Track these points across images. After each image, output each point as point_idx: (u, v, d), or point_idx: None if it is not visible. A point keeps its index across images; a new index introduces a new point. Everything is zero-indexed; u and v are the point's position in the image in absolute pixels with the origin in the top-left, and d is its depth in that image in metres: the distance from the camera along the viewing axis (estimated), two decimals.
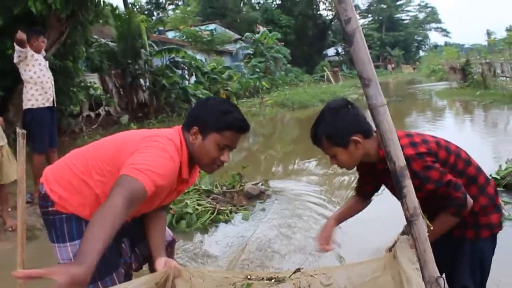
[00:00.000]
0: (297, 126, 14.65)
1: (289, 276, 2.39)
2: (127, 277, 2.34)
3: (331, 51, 52.11)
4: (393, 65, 49.80)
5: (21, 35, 5.15)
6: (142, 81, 17.87)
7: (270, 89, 26.57)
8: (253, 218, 4.69)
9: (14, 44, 5.26)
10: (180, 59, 19.31)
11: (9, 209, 4.85)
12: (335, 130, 2.00)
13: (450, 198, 1.93)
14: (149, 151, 1.90)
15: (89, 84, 14.18)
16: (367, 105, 1.14)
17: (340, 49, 52.16)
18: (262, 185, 5.48)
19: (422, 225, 1.14)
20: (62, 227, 2.10)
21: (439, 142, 2.08)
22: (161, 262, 2.18)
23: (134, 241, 2.41)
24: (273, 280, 2.41)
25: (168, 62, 18.63)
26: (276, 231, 4.19)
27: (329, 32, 50.30)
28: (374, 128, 2.00)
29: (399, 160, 1.10)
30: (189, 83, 19.88)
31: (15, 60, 5.32)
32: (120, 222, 1.60)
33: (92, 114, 15.00)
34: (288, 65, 36.67)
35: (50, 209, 2.11)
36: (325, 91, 21.01)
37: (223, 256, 3.61)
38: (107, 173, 2.02)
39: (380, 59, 54.87)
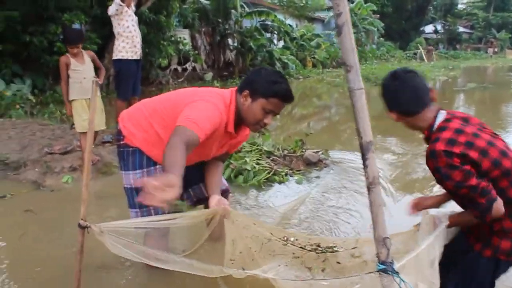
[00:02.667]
0: (379, 101, 14.44)
1: (320, 249, 2.63)
2: (177, 211, 2.73)
3: (429, 28, 49.38)
4: (495, 49, 46.13)
5: None
6: (230, 41, 18.33)
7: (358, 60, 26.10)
8: (306, 183, 4.93)
9: None
10: (269, 23, 19.48)
11: (92, 146, 5.40)
12: None
13: (474, 202, 1.91)
14: (200, 105, 2.30)
15: (179, 39, 14.80)
16: (348, 88, 1.33)
17: (439, 27, 49.45)
18: (322, 153, 5.66)
19: (378, 193, 1.33)
20: (128, 158, 2.58)
21: (488, 152, 1.93)
22: (214, 199, 2.60)
23: (190, 182, 2.81)
24: (307, 248, 2.66)
25: (257, 25, 18.87)
26: (324, 199, 4.41)
27: (430, 7, 47.74)
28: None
29: (366, 136, 1.30)
30: (276, 47, 20.05)
31: (110, 13, 5.81)
32: (183, 154, 1.95)
33: (179, 68, 15.73)
34: (381, 38, 35.59)
35: (121, 142, 2.60)
36: None
37: (272, 213, 3.86)
38: (167, 117, 2.45)
39: (483, 42, 51.32)
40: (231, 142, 2.68)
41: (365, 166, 1.32)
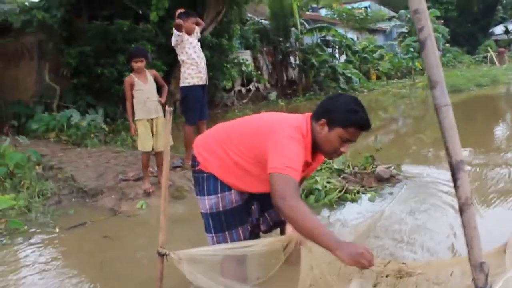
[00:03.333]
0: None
1: (399, 275, 2.50)
2: (253, 235, 2.77)
3: (498, 29, 46.85)
4: None
5: (178, 21, 5.81)
6: (292, 58, 18.40)
7: (423, 70, 25.34)
8: (379, 200, 4.77)
9: (173, 29, 5.93)
10: (330, 38, 19.39)
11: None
12: None
13: None
14: (286, 144, 2.27)
15: (242, 61, 15.04)
16: (434, 105, 1.25)
17: (510, 27, 47.03)
18: (394, 169, 5.48)
19: (472, 215, 1.23)
20: (203, 184, 2.58)
21: None
22: (290, 226, 2.53)
23: (266, 206, 2.79)
24: (385, 273, 2.54)
25: (318, 41, 18.84)
26: (399, 217, 4.23)
27: (499, 7, 45.55)
28: None
29: (456, 155, 1.21)
30: (338, 62, 19.89)
31: (173, 43, 5.99)
32: (307, 211, 2.12)
33: (243, 90, 15.97)
34: (447, 44, 34.41)
35: (196, 168, 2.61)
36: (484, 75, 19.20)
37: (347, 233, 3.76)
38: (243, 148, 2.46)
39: None
40: (309, 168, 2.64)
41: (456, 186, 1.24)
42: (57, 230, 4.37)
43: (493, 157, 6.35)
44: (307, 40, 18.69)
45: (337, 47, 20.53)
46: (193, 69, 6.02)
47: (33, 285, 3.30)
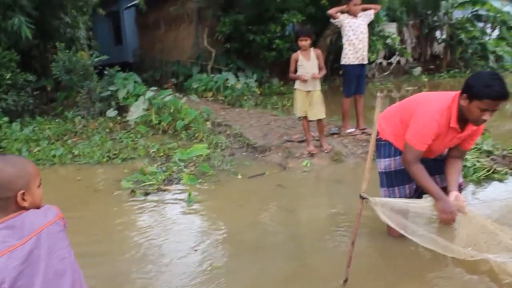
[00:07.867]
0: None
1: None
2: (417, 193, 3.32)
3: None
4: None
5: (328, 12, 6.39)
6: (438, 33, 17.72)
7: None
8: None
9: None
10: (484, 12, 18.22)
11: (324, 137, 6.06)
12: None
13: None
14: (419, 119, 2.96)
15: (387, 34, 14.91)
16: None
17: None
18: None
19: None
20: (380, 149, 3.33)
21: None
22: (452, 195, 3.05)
23: (432, 171, 3.18)
24: None
25: (469, 15, 17.86)
26: None
27: None
28: None
29: None
30: (489, 39, 18.70)
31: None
32: (422, 172, 2.97)
33: (384, 62, 15.91)
34: None
35: (377, 136, 3.26)
36: None
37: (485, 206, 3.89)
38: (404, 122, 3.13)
39: None
40: (460, 136, 3.04)
41: None
42: (240, 176, 5.12)
43: None
44: (457, 14, 17.80)
45: (490, 22, 19.21)
46: (350, 49, 6.34)
47: (232, 215, 4.07)
